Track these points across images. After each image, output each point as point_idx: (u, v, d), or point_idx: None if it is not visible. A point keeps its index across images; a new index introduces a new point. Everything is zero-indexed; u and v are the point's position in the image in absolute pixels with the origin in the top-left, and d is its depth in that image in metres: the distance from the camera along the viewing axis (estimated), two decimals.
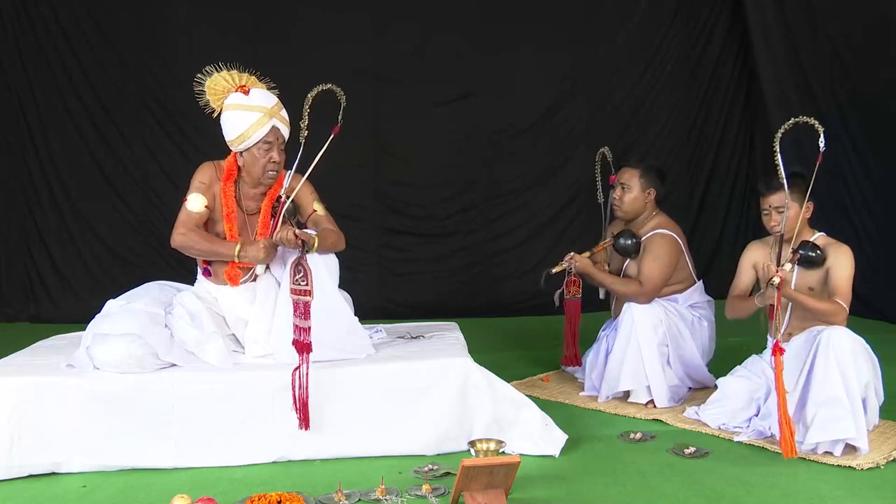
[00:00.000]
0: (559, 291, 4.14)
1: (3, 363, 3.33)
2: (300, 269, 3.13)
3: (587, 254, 4.07)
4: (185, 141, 6.24)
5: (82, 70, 6.28)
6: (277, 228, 3.31)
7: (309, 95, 3.28)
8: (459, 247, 6.64)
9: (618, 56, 6.70)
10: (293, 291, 3.13)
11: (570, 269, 4.03)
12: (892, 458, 3.09)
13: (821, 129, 3.20)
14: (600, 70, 6.69)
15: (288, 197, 3.38)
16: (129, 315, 3.17)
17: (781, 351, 3.11)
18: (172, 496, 2.71)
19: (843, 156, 6.09)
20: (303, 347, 3.09)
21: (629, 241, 4.00)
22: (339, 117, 3.29)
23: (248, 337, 3.36)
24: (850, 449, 3.12)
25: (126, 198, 6.38)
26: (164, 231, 6.32)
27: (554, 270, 4.02)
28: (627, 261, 4.06)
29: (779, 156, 3.24)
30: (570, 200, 6.64)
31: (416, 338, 3.78)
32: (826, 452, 3.11)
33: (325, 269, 3.27)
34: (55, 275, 6.39)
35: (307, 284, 3.11)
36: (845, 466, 3.03)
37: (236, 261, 3.33)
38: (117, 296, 3.37)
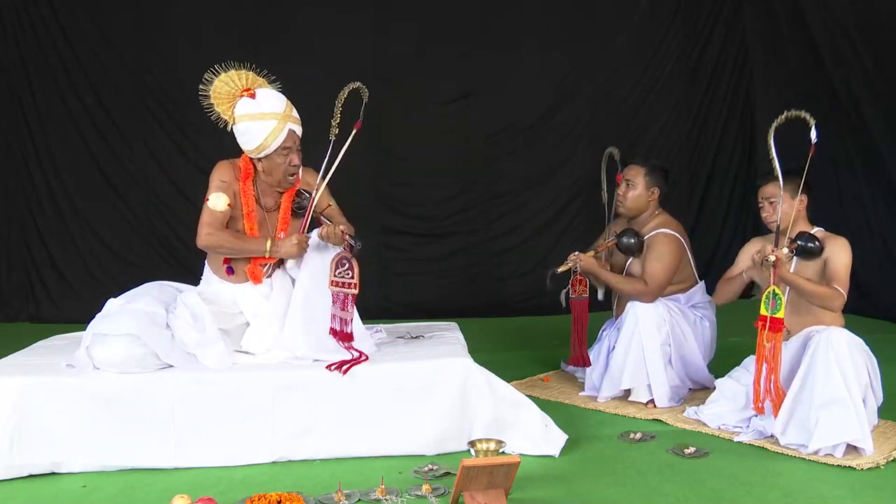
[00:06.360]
0: (565, 291, 4.13)
1: (3, 363, 3.33)
2: (345, 262, 3.24)
3: (591, 252, 4.06)
4: (185, 141, 6.24)
5: (82, 70, 6.27)
6: (306, 223, 3.39)
7: (340, 95, 3.33)
8: (459, 247, 6.64)
9: (618, 56, 6.70)
10: (335, 283, 3.24)
11: (576, 268, 4.02)
12: (892, 458, 3.09)
13: (812, 122, 3.21)
14: (600, 70, 6.69)
15: (310, 193, 3.41)
16: (129, 315, 3.17)
17: (778, 325, 3.11)
18: (172, 496, 2.71)
19: (842, 155, 6.09)
20: (345, 337, 3.22)
21: (633, 240, 4.00)
22: (361, 114, 3.34)
23: (255, 328, 3.36)
24: (851, 449, 3.12)
25: (126, 198, 6.38)
26: (164, 231, 6.35)
27: (559, 270, 4.01)
28: (630, 260, 4.06)
29: (773, 149, 3.28)
30: (570, 200, 6.65)
31: (416, 338, 3.78)
32: (827, 454, 3.11)
33: (321, 271, 3.30)
34: (55, 275, 6.39)
35: (352, 277, 3.23)
36: (845, 466, 3.02)
37: (267, 256, 3.35)
38: (117, 296, 3.36)
